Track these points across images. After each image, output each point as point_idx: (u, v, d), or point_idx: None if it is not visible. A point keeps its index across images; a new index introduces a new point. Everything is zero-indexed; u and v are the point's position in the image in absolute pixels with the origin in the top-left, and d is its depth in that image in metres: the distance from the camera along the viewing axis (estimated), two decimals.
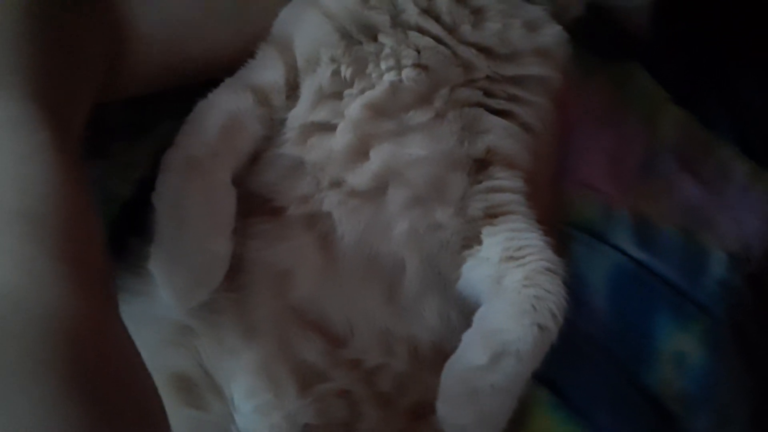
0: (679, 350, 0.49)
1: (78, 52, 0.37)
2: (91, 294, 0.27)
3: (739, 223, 0.54)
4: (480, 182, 0.42)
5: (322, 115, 0.41)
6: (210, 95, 0.42)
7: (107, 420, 0.24)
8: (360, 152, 0.41)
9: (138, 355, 0.29)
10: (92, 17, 0.39)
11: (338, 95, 0.42)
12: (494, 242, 0.40)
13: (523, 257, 0.39)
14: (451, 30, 0.42)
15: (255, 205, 0.41)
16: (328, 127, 0.41)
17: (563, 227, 0.50)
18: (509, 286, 0.38)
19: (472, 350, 0.37)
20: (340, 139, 0.41)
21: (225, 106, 0.41)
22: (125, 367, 0.27)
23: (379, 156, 0.41)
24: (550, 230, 0.46)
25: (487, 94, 0.42)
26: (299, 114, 0.42)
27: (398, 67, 0.41)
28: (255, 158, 0.42)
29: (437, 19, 0.42)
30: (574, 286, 0.38)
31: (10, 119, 0.30)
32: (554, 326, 0.37)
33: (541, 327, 0.37)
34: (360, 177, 0.41)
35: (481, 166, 0.42)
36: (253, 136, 0.42)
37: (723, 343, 0.49)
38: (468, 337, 0.37)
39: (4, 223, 0.27)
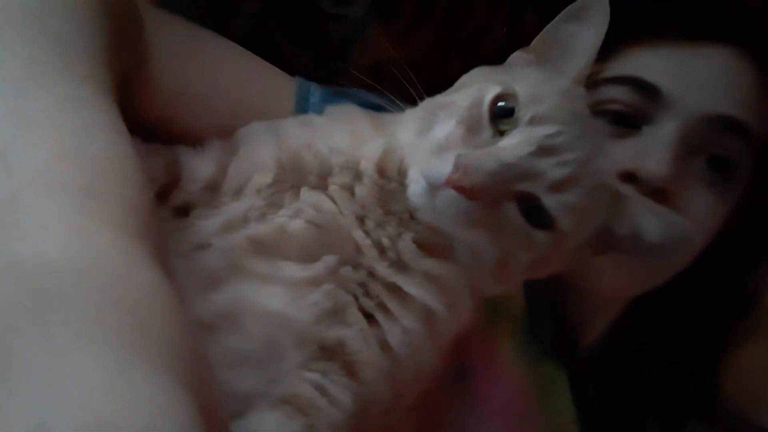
0: None
1: (119, 51, 0.38)
2: (152, 264, 0.27)
3: None
4: (310, 370, 0.38)
5: (215, 224, 0.40)
6: None
7: (172, 381, 0.24)
8: (216, 280, 0.38)
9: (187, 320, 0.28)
10: (132, 33, 0.41)
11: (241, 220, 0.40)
12: None
13: None
14: (361, 217, 0.41)
15: None
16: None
17: None
18: None
19: None
20: (207, 260, 0.39)
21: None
22: (185, 334, 0.27)
23: (229, 292, 0.38)
24: None
25: (365, 290, 0.40)
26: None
27: (295, 217, 0.40)
28: None
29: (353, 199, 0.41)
30: None
31: (68, 97, 0.30)
32: None
33: None
34: (204, 305, 0.38)
35: (324, 356, 0.38)
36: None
37: None
38: None
39: (67, 198, 0.27)
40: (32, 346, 0.22)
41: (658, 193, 0.51)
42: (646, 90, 0.54)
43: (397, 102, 0.54)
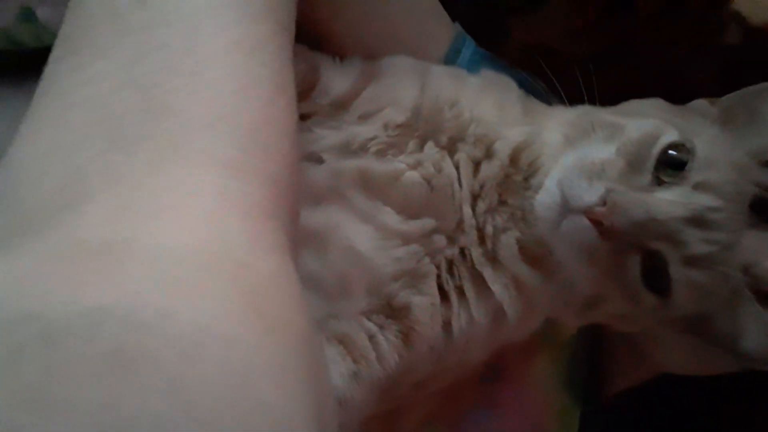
0: None
1: None
2: (277, 251, 0.26)
3: None
4: (370, 320, 0.38)
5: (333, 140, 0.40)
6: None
7: (288, 377, 0.23)
8: (317, 197, 0.38)
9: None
10: None
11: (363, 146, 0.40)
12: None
13: None
14: (475, 195, 0.39)
15: None
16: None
17: None
18: None
19: None
20: (315, 174, 0.39)
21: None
22: (305, 325, 0.26)
23: (325, 214, 0.38)
24: None
25: (450, 267, 0.39)
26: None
27: (414, 167, 0.39)
28: None
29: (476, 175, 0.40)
30: None
31: (241, 41, 0.28)
32: None
33: None
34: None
35: (388, 313, 0.38)
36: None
37: None
38: None
39: (208, 174, 0.25)
40: (146, 334, 0.21)
41: (765, 296, 0.48)
42: None
43: (547, 92, 0.51)
